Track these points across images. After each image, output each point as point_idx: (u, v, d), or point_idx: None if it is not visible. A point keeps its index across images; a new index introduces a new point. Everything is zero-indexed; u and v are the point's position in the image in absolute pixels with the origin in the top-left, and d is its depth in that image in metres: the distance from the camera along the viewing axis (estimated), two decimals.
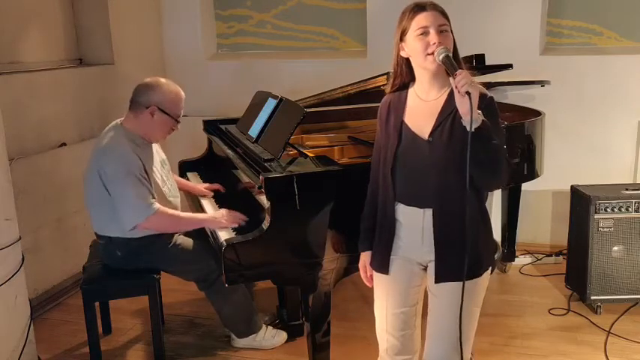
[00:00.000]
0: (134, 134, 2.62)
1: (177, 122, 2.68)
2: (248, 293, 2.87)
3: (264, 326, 2.90)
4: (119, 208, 2.53)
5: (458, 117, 1.70)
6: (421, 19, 1.75)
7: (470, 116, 1.61)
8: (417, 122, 1.83)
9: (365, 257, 2.03)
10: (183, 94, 2.70)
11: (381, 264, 1.95)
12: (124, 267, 2.69)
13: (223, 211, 2.57)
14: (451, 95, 1.74)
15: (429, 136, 1.78)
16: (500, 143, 1.71)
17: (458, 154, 1.71)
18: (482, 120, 1.66)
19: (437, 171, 1.76)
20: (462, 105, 1.63)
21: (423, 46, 1.74)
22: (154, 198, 2.56)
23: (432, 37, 1.73)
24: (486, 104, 1.75)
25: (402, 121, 1.85)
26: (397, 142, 1.83)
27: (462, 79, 1.62)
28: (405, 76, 1.88)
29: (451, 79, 1.68)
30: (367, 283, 2.05)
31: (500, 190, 3.60)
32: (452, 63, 1.68)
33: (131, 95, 2.65)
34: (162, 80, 2.68)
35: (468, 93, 1.60)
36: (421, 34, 1.74)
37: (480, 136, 1.65)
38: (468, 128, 1.63)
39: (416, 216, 1.84)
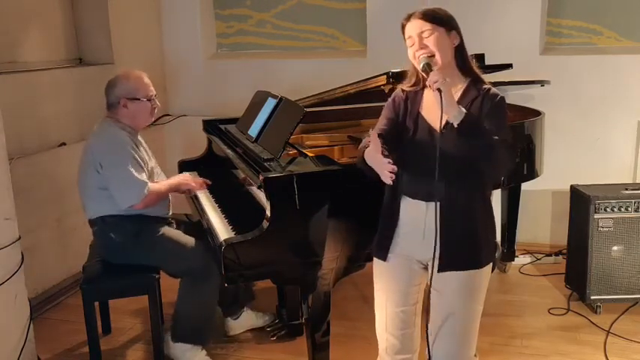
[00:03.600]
0: (123, 124, 2.72)
1: (153, 101, 2.77)
2: (216, 310, 2.78)
3: (205, 352, 2.74)
4: (115, 187, 2.59)
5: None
6: (407, 30, 1.88)
7: (441, 112, 1.71)
8: (432, 115, 1.87)
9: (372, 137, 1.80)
10: (143, 74, 2.77)
11: (379, 251, 1.97)
12: (120, 255, 2.68)
13: (186, 174, 2.92)
14: (465, 93, 1.85)
15: (443, 128, 1.81)
16: (489, 137, 1.74)
17: (465, 148, 1.76)
18: (465, 113, 1.72)
19: (445, 164, 1.78)
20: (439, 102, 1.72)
21: (412, 54, 1.87)
22: (148, 179, 2.67)
23: (416, 46, 1.84)
24: (493, 103, 1.82)
25: (419, 112, 1.90)
26: (412, 132, 1.89)
27: (433, 77, 1.72)
28: (420, 77, 1.93)
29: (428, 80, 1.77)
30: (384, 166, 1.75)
31: (500, 189, 3.61)
32: (430, 69, 1.77)
33: (105, 98, 2.75)
34: (121, 72, 2.77)
35: (439, 90, 1.70)
36: (410, 45, 1.87)
37: (464, 129, 1.72)
38: (455, 123, 1.72)
39: (419, 210, 1.86)
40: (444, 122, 1.75)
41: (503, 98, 1.85)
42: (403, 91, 1.98)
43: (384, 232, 1.97)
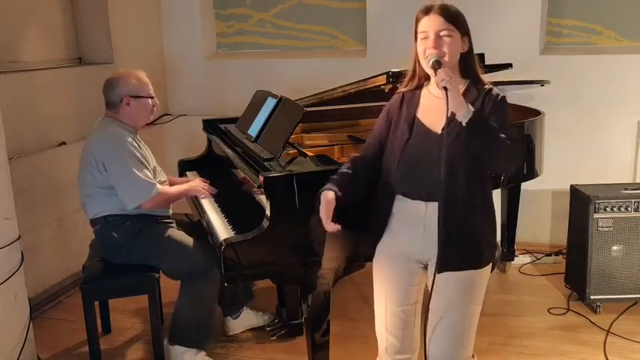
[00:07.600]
0: (123, 123, 2.73)
1: (153, 98, 2.79)
2: (215, 313, 2.77)
3: (204, 353, 2.72)
4: (122, 187, 2.60)
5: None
6: (423, 24, 1.83)
7: (447, 110, 1.70)
8: (429, 117, 1.87)
9: (327, 195, 1.90)
10: (143, 72, 2.80)
11: (368, 247, 2.01)
12: (121, 254, 2.68)
13: (197, 180, 2.90)
14: (464, 93, 1.82)
15: (442, 130, 1.81)
16: (496, 133, 1.74)
17: (475, 146, 1.76)
18: (473, 112, 1.72)
19: (446, 164, 1.78)
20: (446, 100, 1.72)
21: (422, 49, 1.83)
22: (155, 179, 2.68)
23: (429, 42, 1.80)
24: (495, 101, 1.83)
25: (415, 116, 1.90)
26: (408, 136, 1.87)
27: (440, 75, 1.72)
28: (422, 74, 1.92)
29: (434, 77, 1.77)
30: (327, 226, 1.88)
31: (500, 189, 3.61)
32: (440, 67, 1.76)
33: (104, 98, 2.75)
34: (121, 71, 2.81)
35: (445, 88, 1.69)
36: (422, 38, 1.83)
37: (473, 127, 1.72)
38: (463, 122, 1.72)
39: (418, 210, 1.86)
40: (453, 121, 1.74)
41: (504, 97, 1.85)
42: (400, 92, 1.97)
43: (374, 225, 1.98)
